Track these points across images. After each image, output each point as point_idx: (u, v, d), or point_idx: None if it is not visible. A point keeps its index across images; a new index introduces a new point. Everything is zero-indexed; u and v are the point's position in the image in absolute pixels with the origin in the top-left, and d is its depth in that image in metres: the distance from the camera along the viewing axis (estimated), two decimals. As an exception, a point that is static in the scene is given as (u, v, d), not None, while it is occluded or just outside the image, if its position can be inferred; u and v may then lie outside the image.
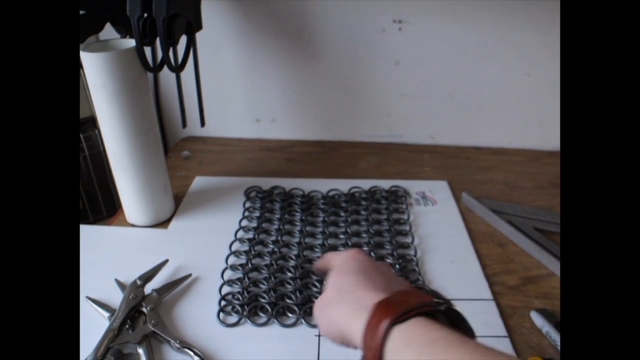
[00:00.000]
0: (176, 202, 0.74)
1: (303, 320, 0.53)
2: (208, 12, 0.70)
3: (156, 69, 0.63)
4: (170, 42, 0.60)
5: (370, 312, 0.34)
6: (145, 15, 0.58)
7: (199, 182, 0.80)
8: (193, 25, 0.66)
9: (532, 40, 0.83)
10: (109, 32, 0.67)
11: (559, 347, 0.50)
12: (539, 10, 0.80)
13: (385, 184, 0.78)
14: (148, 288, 0.56)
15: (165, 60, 0.61)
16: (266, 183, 0.78)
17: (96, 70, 0.58)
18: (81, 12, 0.61)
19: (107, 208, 0.94)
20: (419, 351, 0.31)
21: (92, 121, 0.89)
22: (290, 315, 0.53)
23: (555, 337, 0.51)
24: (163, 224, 0.70)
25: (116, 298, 0.55)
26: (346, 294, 0.38)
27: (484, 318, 0.54)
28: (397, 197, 0.75)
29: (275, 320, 0.53)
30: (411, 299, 0.34)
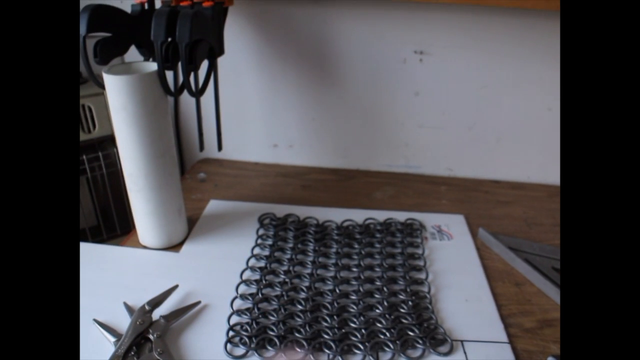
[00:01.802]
0: (190, 224, 0.74)
1: (311, 357, 0.51)
2: (230, 38, 0.71)
3: (177, 93, 0.63)
4: (191, 67, 0.60)
5: None
6: (169, 39, 0.59)
7: (213, 205, 0.80)
8: (215, 50, 0.66)
9: (553, 74, 0.82)
10: (133, 53, 0.68)
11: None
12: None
13: (400, 215, 0.77)
14: (156, 314, 0.55)
15: (186, 85, 0.61)
16: (281, 210, 0.77)
17: (118, 93, 0.58)
18: (107, 34, 0.62)
19: (121, 226, 0.94)
20: None
21: (112, 140, 0.90)
22: (298, 350, 0.52)
23: (573, 387, 0.49)
24: (175, 247, 0.70)
25: (123, 322, 0.54)
26: None
27: (499, 363, 0.52)
28: (412, 230, 0.74)
29: (283, 355, 0.51)
30: None
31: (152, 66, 0.62)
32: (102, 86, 0.61)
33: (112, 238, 0.94)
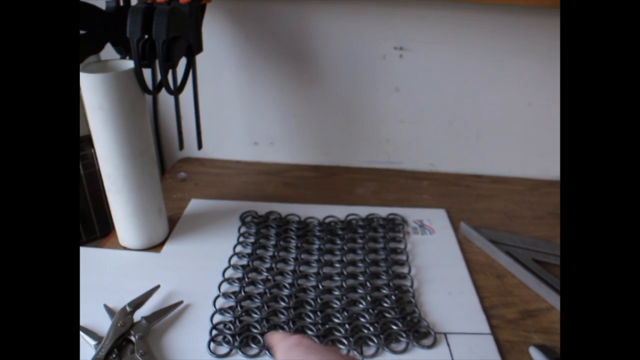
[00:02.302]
0: (171, 224, 0.73)
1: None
2: (209, 35, 0.70)
3: (154, 91, 0.63)
4: (169, 64, 0.60)
5: None
6: (145, 37, 0.58)
7: (194, 204, 0.79)
8: (193, 47, 0.65)
9: (533, 69, 0.83)
10: (109, 51, 0.67)
11: (558, 387, 0.49)
12: (540, 39, 0.80)
13: (382, 211, 0.77)
14: (138, 315, 0.55)
15: (164, 83, 0.61)
16: (262, 208, 0.77)
17: (93, 91, 0.57)
18: (82, 31, 0.61)
19: (100, 228, 0.93)
20: None
21: (89, 140, 0.88)
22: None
23: (555, 376, 0.49)
24: (156, 247, 0.69)
25: (104, 325, 0.53)
26: None
27: (482, 353, 0.52)
28: (394, 226, 0.74)
29: (267, 352, 0.51)
30: None
31: (129, 64, 0.61)
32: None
33: (92, 240, 0.93)
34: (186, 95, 0.66)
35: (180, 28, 0.60)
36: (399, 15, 0.80)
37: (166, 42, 0.57)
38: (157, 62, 0.59)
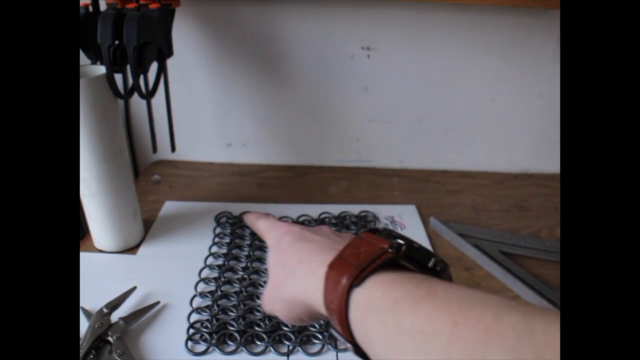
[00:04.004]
0: (146, 227, 0.74)
1: (272, 348, 0.53)
2: (178, 38, 0.71)
3: (127, 95, 0.63)
4: (140, 69, 0.60)
5: (323, 278, 0.30)
6: (117, 42, 0.59)
7: (169, 207, 0.80)
8: (164, 52, 0.66)
9: (494, 66, 0.86)
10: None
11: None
12: (500, 38, 0.83)
13: (354, 208, 0.79)
14: (115, 316, 0.55)
15: (135, 87, 0.61)
16: (237, 208, 0.78)
17: (65, 97, 0.58)
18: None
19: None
20: (381, 318, 0.27)
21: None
22: (259, 343, 0.53)
23: None
24: (132, 249, 0.69)
25: (81, 327, 0.54)
26: (293, 267, 0.34)
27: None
28: (366, 222, 0.76)
29: (243, 349, 0.53)
30: (363, 252, 0.30)
31: (100, 69, 0.62)
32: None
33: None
34: (158, 99, 0.67)
35: (151, 33, 0.61)
36: (365, 17, 0.82)
37: (137, 47, 0.58)
38: (128, 67, 0.60)
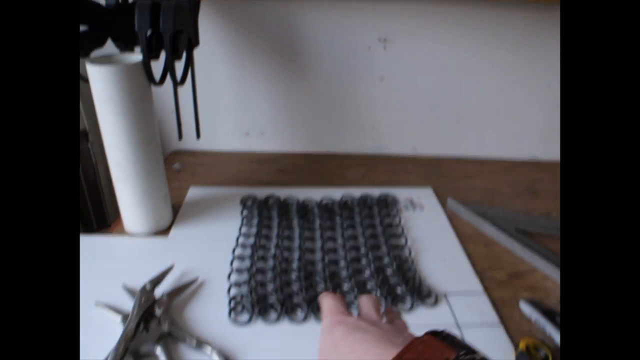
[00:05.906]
0: (174, 211, 0.76)
1: (312, 316, 0.55)
2: (201, 30, 0.73)
3: (160, 82, 0.66)
4: (175, 56, 0.63)
5: None
6: (151, 31, 0.61)
7: (194, 192, 0.82)
8: (192, 41, 0.69)
9: (505, 58, 0.90)
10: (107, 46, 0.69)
11: (546, 332, 0.55)
12: (510, 31, 0.87)
13: (374, 191, 0.82)
14: (157, 292, 0.58)
15: (170, 73, 0.64)
16: (260, 192, 0.81)
17: (104, 83, 0.60)
18: (84, 27, 0.63)
19: (97, 221, 0.95)
20: None
21: (85, 135, 0.90)
22: (300, 311, 0.56)
23: (544, 323, 0.55)
24: (163, 232, 0.72)
25: (125, 304, 0.56)
26: (345, 356, 0.34)
27: (479, 309, 0.58)
28: (387, 204, 0.79)
29: (286, 317, 0.55)
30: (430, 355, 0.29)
31: (134, 57, 0.64)
32: (85, 79, 0.62)
33: (88, 232, 0.94)
34: (182, 87, 0.69)
35: (183, 23, 0.64)
36: (382, 9, 0.85)
37: (172, 35, 0.61)
38: (161, 54, 0.62)
